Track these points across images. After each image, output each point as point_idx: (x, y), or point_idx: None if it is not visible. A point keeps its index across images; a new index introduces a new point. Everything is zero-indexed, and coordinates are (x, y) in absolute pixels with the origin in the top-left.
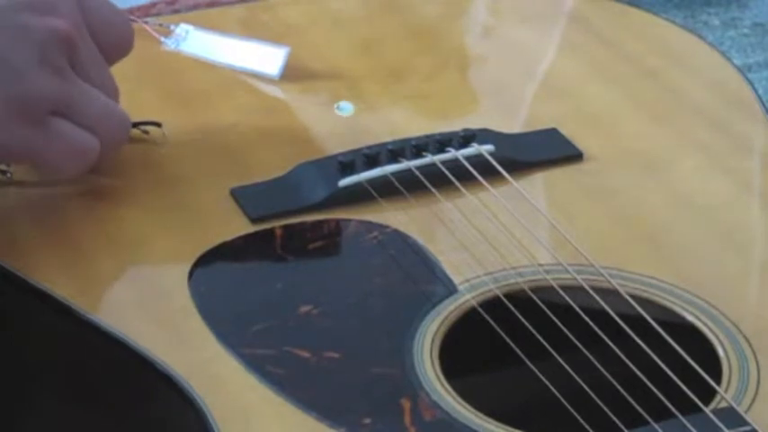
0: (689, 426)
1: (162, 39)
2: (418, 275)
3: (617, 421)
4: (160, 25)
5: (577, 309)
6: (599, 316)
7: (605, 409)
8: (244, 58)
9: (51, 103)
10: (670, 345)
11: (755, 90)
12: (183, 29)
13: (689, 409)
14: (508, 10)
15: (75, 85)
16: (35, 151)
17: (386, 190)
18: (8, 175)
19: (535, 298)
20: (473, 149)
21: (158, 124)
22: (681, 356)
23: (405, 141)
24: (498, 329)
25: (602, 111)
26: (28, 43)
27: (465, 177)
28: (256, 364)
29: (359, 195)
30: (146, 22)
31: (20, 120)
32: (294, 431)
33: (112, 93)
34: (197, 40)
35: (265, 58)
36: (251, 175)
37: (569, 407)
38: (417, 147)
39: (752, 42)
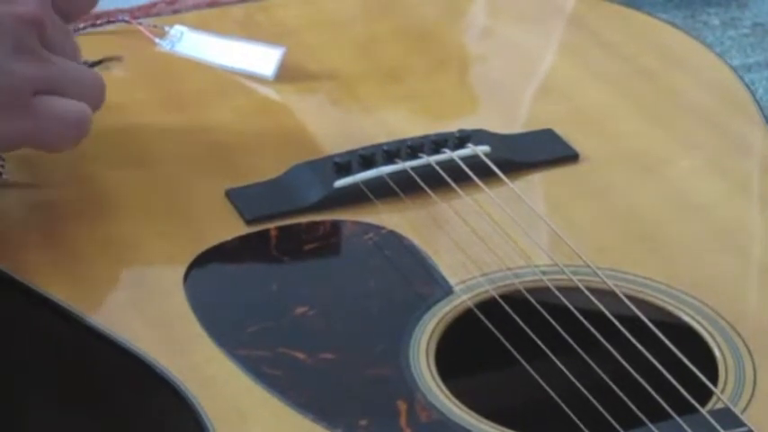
0: (685, 427)
1: (156, 40)
2: (414, 277)
3: (613, 422)
4: (155, 26)
5: (573, 310)
6: (595, 317)
7: (601, 409)
8: (238, 59)
9: (34, 88)
10: (666, 345)
11: (752, 90)
12: (177, 30)
13: (685, 409)
14: (504, 11)
15: (53, 63)
16: (30, 136)
17: (381, 191)
18: (2, 176)
19: (531, 299)
20: (468, 150)
21: (118, 58)
22: (677, 357)
23: (400, 142)
24: (494, 330)
25: (598, 111)
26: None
27: (461, 178)
28: (252, 366)
29: (354, 196)
30: (140, 24)
31: (8, 111)
32: None
33: (76, 53)
34: (192, 41)
35: (260, 59)
36: (246, 177)
37: (565, 408)
38: (413, 147)
39: (752, 42)
